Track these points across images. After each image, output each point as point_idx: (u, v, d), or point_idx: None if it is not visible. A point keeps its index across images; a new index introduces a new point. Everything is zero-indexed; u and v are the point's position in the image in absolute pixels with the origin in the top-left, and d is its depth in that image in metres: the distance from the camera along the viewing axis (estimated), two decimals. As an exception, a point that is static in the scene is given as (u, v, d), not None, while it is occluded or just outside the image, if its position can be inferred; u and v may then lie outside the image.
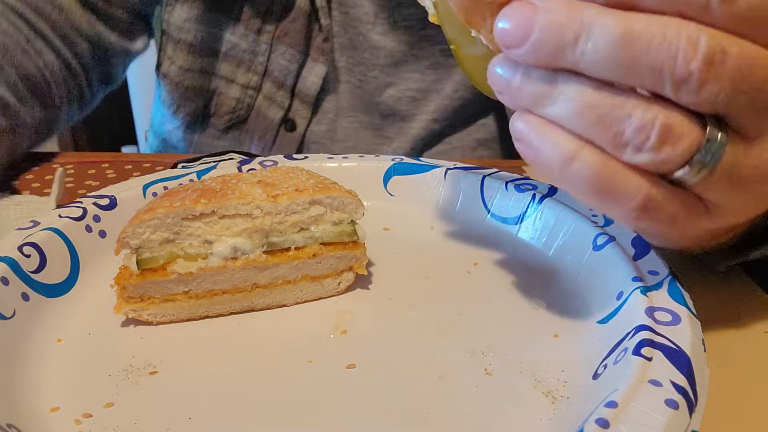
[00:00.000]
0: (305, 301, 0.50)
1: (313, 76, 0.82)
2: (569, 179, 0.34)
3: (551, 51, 0.32)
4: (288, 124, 0.85)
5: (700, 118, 0.32)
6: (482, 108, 0.85)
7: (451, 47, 0.41)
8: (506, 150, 0.87)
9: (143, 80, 2.08)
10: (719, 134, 0.32)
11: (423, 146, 0.88)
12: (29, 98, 0.71)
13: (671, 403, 0.32)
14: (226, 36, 0.82)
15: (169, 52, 0.84)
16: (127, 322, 0.47)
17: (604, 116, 0.32)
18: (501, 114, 0.85)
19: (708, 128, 0.31)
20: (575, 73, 0.33)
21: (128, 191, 0.57)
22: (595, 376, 0.39)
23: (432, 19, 0.41)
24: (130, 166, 0.74)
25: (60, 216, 0.51)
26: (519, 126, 0.35)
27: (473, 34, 0.37)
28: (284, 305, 0.50)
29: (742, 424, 0.38)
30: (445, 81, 0.85)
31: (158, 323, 0.47)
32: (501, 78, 0.35)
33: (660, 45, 0.30)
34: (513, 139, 0.36)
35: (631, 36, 0.30)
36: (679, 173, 0.33)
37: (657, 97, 0.31)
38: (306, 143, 0.86)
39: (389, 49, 0.83)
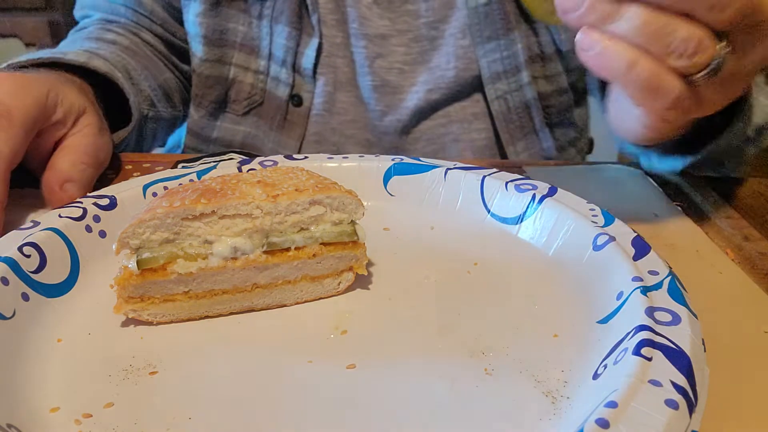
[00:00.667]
0: (305, 301, 0.50)
1: (309, 49, 0.89)
2: (630, 80, 0.46)
3: None
4: (295, 99, 0.91)
5: (714, 36, 0.44)
6: (476, 81, 0.89)
7: None
8: (500, 124, 0.90)
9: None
10: (725, 48, 0.45)
11: (419, 118, 0.91)
12: (163, 99, 0.91)
13: (671, 403, 0.32)
14: (237, 27, 0.90)
15: (192, 48, 0.92)
16: (127, 322, 0.47)
17: (658, 31, 0.44)
18: (483, 92, 0.89)
19: (719, 43, 0.45)
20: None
21: (128, 191, 0.57)
22: (595, 376, 0.39)
23: None
24: (130, 166, 0.74)
25: (60, 216, 0.51)
26: (587, 39, 0.46)
27: None
28: (284, 305, 0.50)
29: (742, 424, 0.38)
30: (431, 53, 0.89)
31: (158, 323, 0.47)
32: (572, 1, 0.45)
33: None
34: (578, 50, 0.47)
35: None
36: (697, 75, 0.46)
37: (690, 18, 0.44)
38: (309, 115, 0.92)
39: (375, 23, 0.88)
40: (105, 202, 0.55)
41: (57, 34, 0.97)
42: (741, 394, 0.40)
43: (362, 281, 0.52)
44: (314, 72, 0.90)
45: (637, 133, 0.56)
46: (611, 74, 0.47)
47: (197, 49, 0.91)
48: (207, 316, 0.48)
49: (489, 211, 0.60)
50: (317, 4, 0.88)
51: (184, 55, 0.95)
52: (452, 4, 0.87)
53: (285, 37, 0.88)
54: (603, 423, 0.31)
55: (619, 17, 0.44)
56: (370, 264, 0.53)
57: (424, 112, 0.91)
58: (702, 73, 0.46)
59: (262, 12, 0.88)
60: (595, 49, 0.46)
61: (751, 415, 0.39)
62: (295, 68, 0.89)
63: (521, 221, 0.57)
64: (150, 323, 0.47)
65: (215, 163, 0.63)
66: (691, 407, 0.33)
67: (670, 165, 0.69)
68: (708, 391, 0.35)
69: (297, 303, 0.50)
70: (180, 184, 0.54)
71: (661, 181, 0.71)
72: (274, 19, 0.88)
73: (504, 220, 0.58)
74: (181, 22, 0.93)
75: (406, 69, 0.90)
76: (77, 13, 0.97)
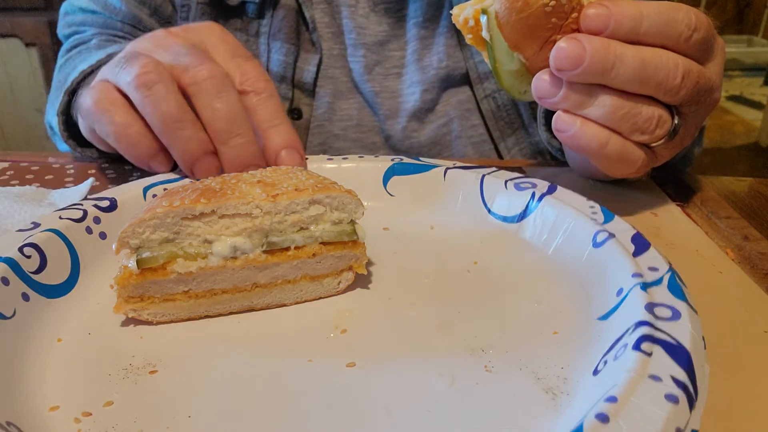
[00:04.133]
0: (305, 301, 0.50)
1: (309, 65, 0.90)
2: (603, 156, 0.52)
3: (596, 72, 0.48)
4: (295, 113, 0.92)
5: (669, 110, 0.53)
6: (465, 78, 0.90)
7: (495, 65, 0.54)
8: (490, 121, 0.91)
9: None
10: (678, 119, 0.53)
11: (420, 119, 0.92)
12: None
13: (671, 398, 0.32)
14: None
15: None
16: (127, 322, 0.47)
17: (626, 114, 0.50)
18: (470, 84, 0.90)
19: (674, 116, 0.53)
20: (604, 86, 0.50)
21: (128, 193, 0.57)
22: (595, 372, 0.39)
23: (469, 41, 0.55)
24: (130, 167, 0.74)
25: (60, 218, 0.51)
26: (562, 123, 0.52)
27: (515, 55, 0.52)
28: (284, 305, 0.50)
29: (742, 424, 0.38)
30: (423, 53, 0.90)
31: (158, 323, 0.47)
32: (549, 89, 0.51)
33: (659, 68, 0.49)
34: (555, 130, 0.52)
35: (645, 63, 0.48)
36: (656, 144, 0.53)
37: (650, 98, 0.51)
38: (309, 127, 0.93)
39: (372, 30, 0.90)
40: (105, 203, 0.55)
41: (57, 34, 0.98)
42: (741, 394, 0.40)
43: (362, 281, 0.52)
44: (314, 85, 0.91)
45: (598, 177, 0.67)
46: (585, 152, 0.52)
47: None
48: (207, 316, 0.48)
49: (489, 210, 0.60)
50: (315, 22, 0.89)
51: None
52: (440, 3, 0.88)
53: (283, 54, 0.89)
54: (603, 417, 0.31)
55: (590, 104, 0.50)
56: (370, 264, 0.53)
57: (423, 113, 0.92)
58: (660, 142, 0.53)
59: (259, 30, 0.89)
60: (570, 132, 0.51)
61: (751, 415, 0.39)
62: (294, 83, 0.90)
63: (521, 219, 0.57)
64: (150, 323, 0.47)
65: (215, 165, 0.63)
66: (692, 402, 0.33)
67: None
68: (708, 391, 0.35)
69: (297, 302, 0.50)
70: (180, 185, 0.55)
71: (661, 181, 0.71)
72: (271, 36, 0.89)
73: (504, 219, 0.58)
74: None
75: (402, 72, 0.91)
76: (63, 31, 0.95)
